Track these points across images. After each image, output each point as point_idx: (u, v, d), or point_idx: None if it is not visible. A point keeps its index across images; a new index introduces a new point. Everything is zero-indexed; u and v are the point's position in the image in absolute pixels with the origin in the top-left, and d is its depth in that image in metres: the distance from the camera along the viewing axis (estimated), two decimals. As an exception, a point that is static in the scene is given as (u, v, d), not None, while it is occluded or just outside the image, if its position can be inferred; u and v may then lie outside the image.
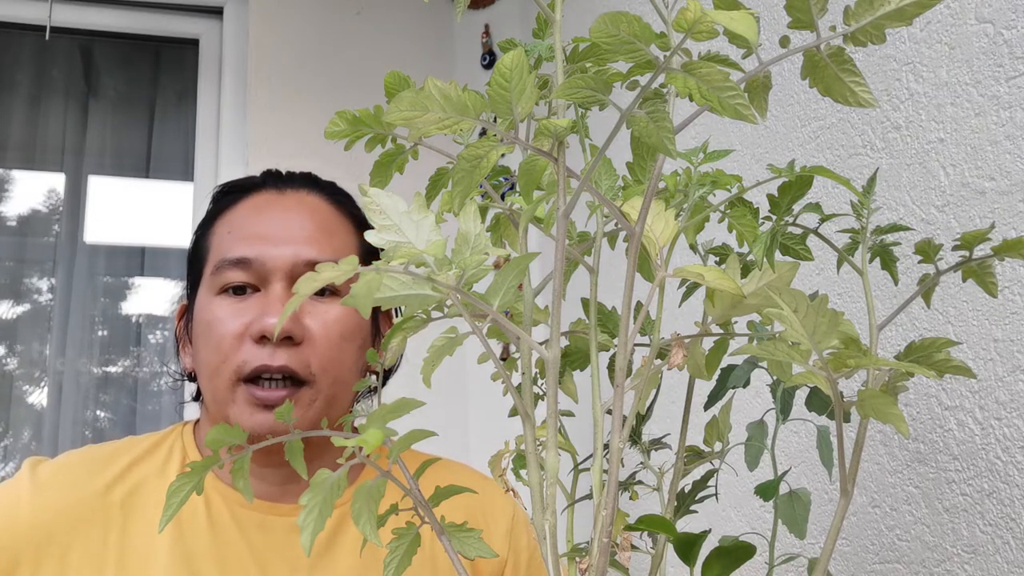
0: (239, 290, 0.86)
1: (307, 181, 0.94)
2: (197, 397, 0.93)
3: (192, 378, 0.93)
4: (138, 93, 2.31)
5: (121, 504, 0.84)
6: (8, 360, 2.12)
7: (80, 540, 0.82)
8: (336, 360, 0.86)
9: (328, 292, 0.87)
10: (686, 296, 0.66)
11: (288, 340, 0.83)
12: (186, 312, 0.95)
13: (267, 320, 0.82)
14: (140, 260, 2.26)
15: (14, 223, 2.20)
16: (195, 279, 0.92)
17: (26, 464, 0.87)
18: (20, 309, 2.16)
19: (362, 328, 0.89)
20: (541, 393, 0.65)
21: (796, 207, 0.59)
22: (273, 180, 0.94)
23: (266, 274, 0.85)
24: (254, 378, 0.83)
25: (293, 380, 0.83)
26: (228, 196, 0.94)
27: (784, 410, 0.67)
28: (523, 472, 0.70)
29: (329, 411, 0.86)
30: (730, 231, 0.59)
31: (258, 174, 0.96)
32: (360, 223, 0.94)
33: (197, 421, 0.94)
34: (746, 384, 0.67)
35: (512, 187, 1.02)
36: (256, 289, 0.86)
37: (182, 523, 0.84)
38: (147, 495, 0.85)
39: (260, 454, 0.85)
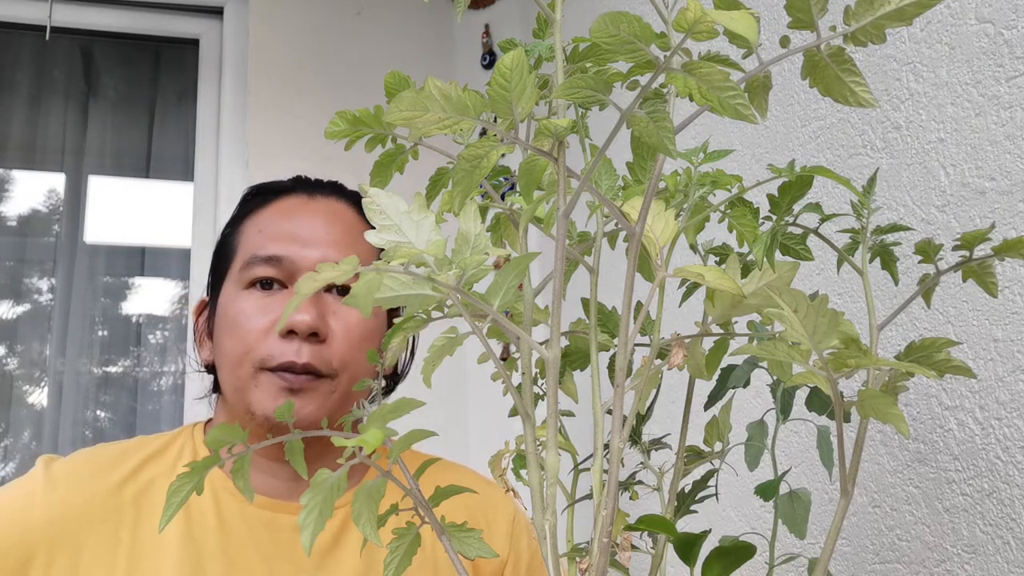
0: (266, 286, 0.89)
1: (335, 189, 0.98)
2: (215, 390, 0.95)
3: (210, 370, 0.94)
4: (138, 93, 2.31)
5: (132, 501, 0.86)
6: (8, 360, 2.12)
7: (92, 536, 0.83)
8: (356, 360, 0.88)
9: None
10: (686, 296, 0.66)
11: (313, 336, 0.85)
12: (206, 307, 0.97)
13: (294, 317, 0.85)
14: (140, 260, 2.26)
15: (14, 223, 2.19)
16: (220, 275, 0.94)
17: (40, 461, 0.88)
18: (20, 309, 2.16)
19: (381, 330, 0.92)
20: (541, 393, 0.64)
21: (796, 207, 0.59)
22: (303, 185, 0.97)
23: (294, 272, 0.88)
24: (280, 370, 0.85)
25: (315, 373, 0.86)
26: (258, 197, 0.97)
27: (784, 410, 0.67)
28: (523, 472, 0.70)
29: (345, 407, 0.88)
30: (730, 231, 0.59)
31: (286, 179, 0.99)
32: None
33: (208, 421, 0.96)
34: (746, 384, 0.67)
35: (512, 187, 1.02)
36: (283, 286, 0.89)
37: (191, 520, 0.85)
38: (158, 493, 0.87)
39: (271, 449, 0.87)
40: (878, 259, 0.61)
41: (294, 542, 0.87)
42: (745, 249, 0.60)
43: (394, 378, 0.99)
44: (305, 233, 0.90)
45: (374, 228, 0.94)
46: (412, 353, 1.00)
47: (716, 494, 0.67)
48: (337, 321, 0.87)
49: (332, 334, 0.87)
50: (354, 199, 0.97)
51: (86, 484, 0.85)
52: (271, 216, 0.93)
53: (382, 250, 0.93)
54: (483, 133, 0.49)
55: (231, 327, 0.88)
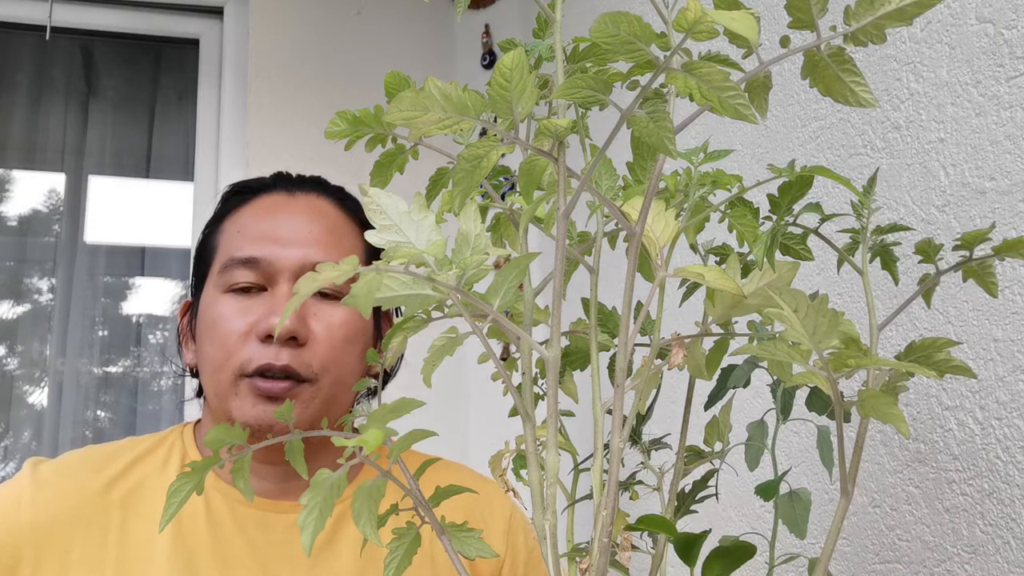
0: (245, 288, 0.87)
1: (316, 185, 0.95)
2: (199, 394, 0.94)
3: (194, 374, 0.94)
4: (138, 93, 2.31)
5: (121, 503, 0.85)
6: (8, 360, 2.12)
7: (80, 538, 0.82)
8: (338, 362, 0.86)
9: (333, 294, 0.87)
10: (686, 296, 0.66)
11: (292, 340, 0.84)
12: (190, 308, 0.95)
13: (273, 320, 0.83)
14: (140, 260, 2.26)
15: (14, 223, 2.19)
16: (201, 276, 0.93)
17: (27, 464, 0.87)
18: (20, 309, 2.16)
19: (365, 331, 0.90)
20: (541, 393, 0.65)
21: (796, 207, 0.59)
22: (283, 182, 0.95)
23: (274, 274, 0.86)
24: (257, 374, 0.83)
25: (295, 377, 0.84)
26: (237, 196, 0.94)
27: (784, 410, 0.67)
28: (523, 472, 0.70)
29: (328, 410, 0.87)
30: (730, 231, 0.59)
31: (267, 175, 0.97)
32: (367, 227, 0.95)
33: (198, 422, 0.95)
34: (746, 384, 0.67)
35: (512, 187, 1.02)
36: (263, 288, 0.87)
37: (182, 521, 0.84)
38: (147, 494, 0.86)
39: (260, 452, 0.85)
40: (878, 259, 0.61)
41: (288, 541, 0.86)
42: (745, 249, 0.60)
43: (383, 378, 0.97)
44: (285, 233, 0.88)
45: (356, 223, 0.94)
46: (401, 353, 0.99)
47: (716, 494, 0.67)
48: (318, 323, 0.86)
49: (313, 337, 0.85)
50: (337, 194, 0.95)
51: (73, 486, 0.85)
52: (250, 215, 0.91)
53: (367, 248, 0.93)
54: (483, 133, 0.49)
55: (210, 331, 0.87)
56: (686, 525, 0.65)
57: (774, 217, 0.59)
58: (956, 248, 0.58)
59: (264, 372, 0.83)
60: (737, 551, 0.61)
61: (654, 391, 0.66)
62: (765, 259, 0.56)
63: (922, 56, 0.86)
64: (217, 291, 0.88)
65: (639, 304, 0.55)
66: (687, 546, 0.60)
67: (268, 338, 0.83)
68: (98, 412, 2.15)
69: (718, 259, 0.66)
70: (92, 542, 0.82)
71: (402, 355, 0.92)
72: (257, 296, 0.87)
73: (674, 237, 0.54)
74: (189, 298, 0.97)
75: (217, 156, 2.21)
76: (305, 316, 0.85)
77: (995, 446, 0.76)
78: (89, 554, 0.82)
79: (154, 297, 2.25)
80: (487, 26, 2.23)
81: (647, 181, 0.57)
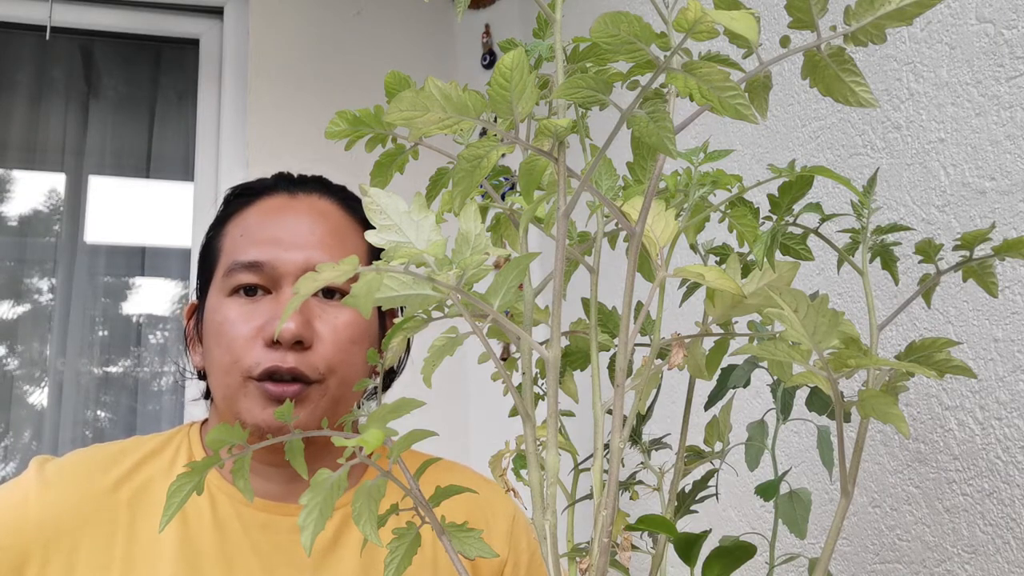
0: (250, 291, 0.87)
1: (319, 185, 0.95)
2: (207, 395, 0.94)
3: (202, 376, 0.93)
4: (138, 93, 2.31)
5: (128, 502, 0.85)
6: (8, 360, 2.12)
7: (87, 537, 0.82)
8: (344, 363, 0.87)
9: (338, 295, 0.87)
10: (686, 296, 0.66)
11: (299, 344, 0.84)
12: (196, 311, 0.95)
13: (277, 325, 0.83)
14: (140, 260, 2.26)
15: (14, 223, 2.19)
16: (206, 279, 0.92)
17: (33, 463, 0.87)
18: (20, 309, 2.16)
19: (371, 331, 0.90)
20: (541, 393, 0.65)
21: (796, 207, 0.59)
22: (285, 183, 0.95)
23: (278, 278, 0.86)
24: (265, 376, 0.84)
25: (303, 379, 0.84)
26: (240, 198, 0.94)
27: (784, 410, 0.67)
28: (523, 472, 0.70)
29: (335, 410, 0.87)
30: (730, 231, 0.59)
31: (270, 176, 0.96)
32: (370, 227, 0.94)
33: (204, 421, 0.95)
34: (746, 384, 0.67)
35: (512, 187, 1.02)
36: (267, 291, 0.87)
37: (188, 522, 0.84)
38: (154, 494, 0.86)
39: (265, 452, 0.86)
40: (878, 259, 0.61)
41: (292, 543, 0.86)
42: (745, 249, 0.60)
43: (389, 376, 0.97)
44: (287, 235, 0.88)
45: (360, 223, 0.93)
46: (407, 351, 0.99)
47: (716, 494, 0.67)
48: (323, 325, 0.86)
49: (319, 339, 0.85)
50: (340, 194, 0.94)
51: (80, 485, 0.85)
52: (253, 218, 0.91)
53: (370, 249, 0.93)
54: (483, 133, 0.49)
55: (216, 335, 0.86)
56: (686, 525, 0.65)
57: (774, 217, 0.59)
58: (956, 248, 0.58)
59: (272, 374, 0.83)
60: (737, 551, 0.61)
61: (654, 391, 0.66)
62: (765, 259, 0.56)
63: (922, 56, 0.86)
64: (221, 295, 0.88)
65: (639, 304, 0.55)
66: (687, 546, 0.60)
67: (275, 342, 0.83)
68: (98, 412, 2.15)
69: (718, 259, 0.66)
70: (99, 541, 0.82)
71: (408, 354, 0.92)
72: (262, 299, 0.87)
73: (674, 237, 0.54)
74: (194, 300, 0.96)
75: (217, 156, 2.21)
76: (310, 318, 0.85)
77: (995, 446, 0.76)
78: (96, 553, 0.82)
79: (154, 297, 2.25)
80: (487, 26, 2.23)
81: (647, 181, 0.57)
